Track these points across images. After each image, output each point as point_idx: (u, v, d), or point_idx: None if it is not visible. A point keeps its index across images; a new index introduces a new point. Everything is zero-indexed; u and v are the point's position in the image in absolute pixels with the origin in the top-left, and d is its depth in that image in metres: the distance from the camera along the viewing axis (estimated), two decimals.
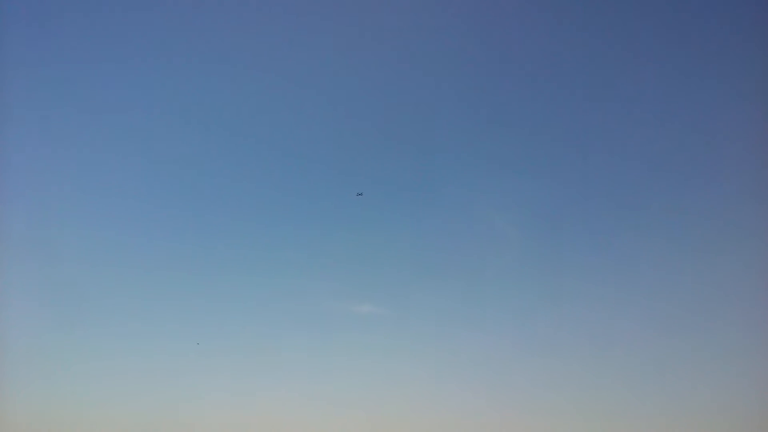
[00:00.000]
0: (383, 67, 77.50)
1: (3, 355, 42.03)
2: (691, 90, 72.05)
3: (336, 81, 77.22)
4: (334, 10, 71.70)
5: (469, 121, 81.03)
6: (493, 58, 77.49)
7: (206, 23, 72.38)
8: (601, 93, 75.71)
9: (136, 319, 57.89)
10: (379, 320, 66.74)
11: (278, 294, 70.03)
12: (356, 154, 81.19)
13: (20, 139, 60.06)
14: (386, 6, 72.85)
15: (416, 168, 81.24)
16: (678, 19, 71.69)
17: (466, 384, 61.19)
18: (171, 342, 60.58)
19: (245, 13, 72.05)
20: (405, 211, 78.10)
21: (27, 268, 52.25)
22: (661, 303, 62.32)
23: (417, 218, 76.67)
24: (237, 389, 57.91)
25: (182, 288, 66.03)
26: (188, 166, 71.46)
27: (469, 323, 67.99)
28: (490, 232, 75.02)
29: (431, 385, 60.74)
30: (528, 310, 68.30)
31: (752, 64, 63.10)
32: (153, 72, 72.39)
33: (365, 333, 64.93)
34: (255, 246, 72.26)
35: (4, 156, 55.15)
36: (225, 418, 54.40)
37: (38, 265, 53.03)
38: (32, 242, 54.49)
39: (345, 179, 77.69)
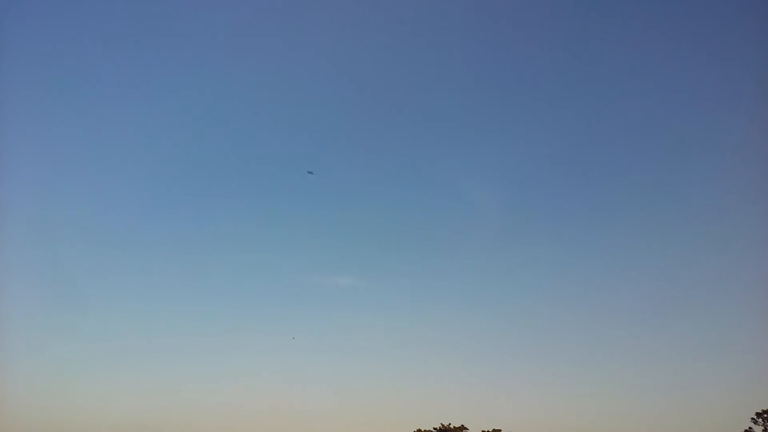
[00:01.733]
0: (362, 47, 76.82)
1: (3, 355, 42.39)
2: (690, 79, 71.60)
3: (314, 56, 76.36)
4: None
5: (447, 95, 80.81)
6: (475, 31, 76.83)
7: (206, 22, 72.26)
8: (600, 75, 75.06)
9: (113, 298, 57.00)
10: (359, 292, 67.28)
11: (257, 269, 70.13)
12: (334, 129, 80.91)
13: (20, 138, 60.11)
14: None
15: (395, 143, 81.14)
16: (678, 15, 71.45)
17: (444, 355, 61.48)
18: (158, 323, 59.90)
19: (240, 12, 71.80)
20: (386, 185, 78.04)
21: (27, 268, 52.46)
22: (656, 292, 62.23)
23: (397, 191, 76.81)
24: (222, 365, 57.70)
25: (171, 274, 65.68)
26: (178, 152, 71.02)
27: (447, 295, 68.39)
28: (469, 205, 75.19)
29: (410, 356, 60.91)
30: (507, 284, 68.62)
31: (753, 63, 63.20)
32: (153, 72, 72.26)
33: (344, 304, 65.38)
34: (238, 223, 72.11)
35: (4, 156, 55.42)
36: (211, 392, 53.98)
37: (38, 265, 53.24)
38: (33, 242, 54.59)
39: (324, 154, 77.47)
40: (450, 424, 62.17)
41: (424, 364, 58.60)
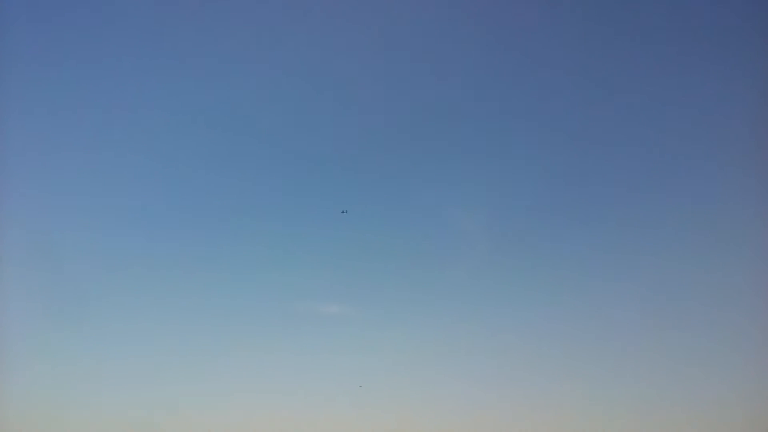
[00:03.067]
0: (351, 69, 77.21)
1: (3, 355, 42.19)
2: (688, 83, 71.69)
3: (303, 81, 76.69)
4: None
5: (435, 119, 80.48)
6: (462, 54, 76.86)
7: (206, 21, 72.56)
8: (590, 86, 75.24)
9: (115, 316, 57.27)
10: (348, 320, 66.14)
11: (252, 292, 69.17)
12: (322, 153, 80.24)
13: (20, 139, 60.23)
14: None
15: (383, 168, 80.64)
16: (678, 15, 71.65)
17: (434, 384, 60.74)
18: (148, 343, 59.76)
19: (246, 10, 72.10)
20: (374, 212, 77.56)
21: (27, 269, 52.43)
22: (651, 300, 62.02)
23: (385, 219, 76.15)
24: (210, 390, 57.35)
25: (167, 288, 65.54)
26: (179, 165, 71.26)
27: (439, 324, 67.40)
28: (458, 232, 74.44)
29: (400, 385, 60.25)
30: (497, 310, 67.89)
31: (753, 63, 63.09)
32: (152, 72, 72.50)
33: (333, 333, 64.39)
34: (230, 243, 71.33)
35: (4, 156, 55.25)
36: (194, 417, 53.72)
37: (39, 265, 53.22)
38: (32, 242, 54.69)
39: (312, 180, 77.09)
40: None
41: (411, 386, 58.45)
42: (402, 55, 79.47)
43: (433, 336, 65.58)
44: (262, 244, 74.31)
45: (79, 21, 70.36)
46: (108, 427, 48.07)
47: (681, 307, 61.84)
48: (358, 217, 74.83)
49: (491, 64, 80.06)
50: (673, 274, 66.28)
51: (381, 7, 72.30)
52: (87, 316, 58.00)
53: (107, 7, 71.06)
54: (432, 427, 57.17)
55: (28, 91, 63.79)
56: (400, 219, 77.43)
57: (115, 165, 72.41)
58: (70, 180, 68.94)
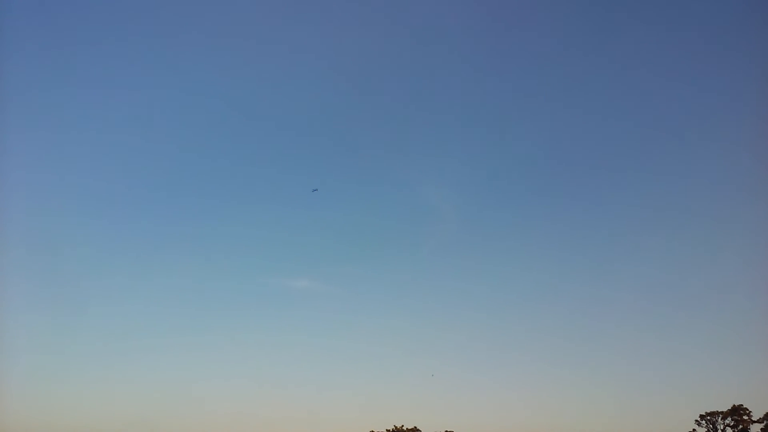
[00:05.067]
0: (334, 53, 77.25)
1: (3, 355, 44.79)
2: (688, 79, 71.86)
3: (284, 63, 76.60)
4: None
5: (406, 97, 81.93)
6: (445, 39, 77.11)
7: (206, 22, 73.43)
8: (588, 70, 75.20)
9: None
10: (315, 295, 69.29)
11: (216, 271, 71.60)
12: (296, 132, 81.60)
13: (20, 140, 62.15)
14: None
15: (353, 145, 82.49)
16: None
17: (400, 357, 64.01)
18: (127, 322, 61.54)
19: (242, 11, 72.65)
20: (342, 188, 79.41)
21: (28, 269, 54.99)
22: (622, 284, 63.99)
23: (354, 195, 78.29)
24: (189, 371, 59.75)
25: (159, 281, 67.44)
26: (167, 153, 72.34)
27: (405, 298, 70.47)
28: (426, 208, 76.97)
29: (367, 358, 63.36)
30: (465, 286, 70.53)
31: (753, 63, 63.79)
32: (153, 75, 73.87)
33: (301, 307, 67.57)
34: (195, 224, 73.35)
35: (4, 156, 57.33)
36: (173, 396, 56.59)
37: (39, 265, 55.73)
38: (33, 242, 57.14)
39: (284, 158, 78.94)
40: (402, 426, 63.47)
41: (387, 365, 61.55)
42: (394, 30, 79.00)
43: (405, 312, 67.89)
44: (240, 226, 75.82)
45: (81, 21, 71.10)
46: (113, 421, 51.40)
47: (682, 304, 63.45)
48: (331, 193, 76.57)
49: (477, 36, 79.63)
50: (672, 269, 67.62)
51: None
52: (94, 307, 59.99)
53: (108, 7, 71.54)
54: (394, 404, 60.17)
55: (29, 92, 65.30)
56: (368, 197, 79.37)
57: (116, 162, 73.59)
58: (71, 180, 71.01)
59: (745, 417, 57.96)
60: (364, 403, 58.86)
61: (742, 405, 58.60)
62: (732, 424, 58.35)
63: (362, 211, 78.81)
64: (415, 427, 64.05)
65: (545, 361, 63.06)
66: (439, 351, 63.64)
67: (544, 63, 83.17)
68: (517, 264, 73.47)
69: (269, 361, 61.61)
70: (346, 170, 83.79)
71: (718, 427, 59.15)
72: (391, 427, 63.80)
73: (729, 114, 73.32)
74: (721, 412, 59.10)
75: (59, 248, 56.74)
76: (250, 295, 70.31)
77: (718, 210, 72.12)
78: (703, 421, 60.32)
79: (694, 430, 60.26)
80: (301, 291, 67.22)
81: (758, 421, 57.50)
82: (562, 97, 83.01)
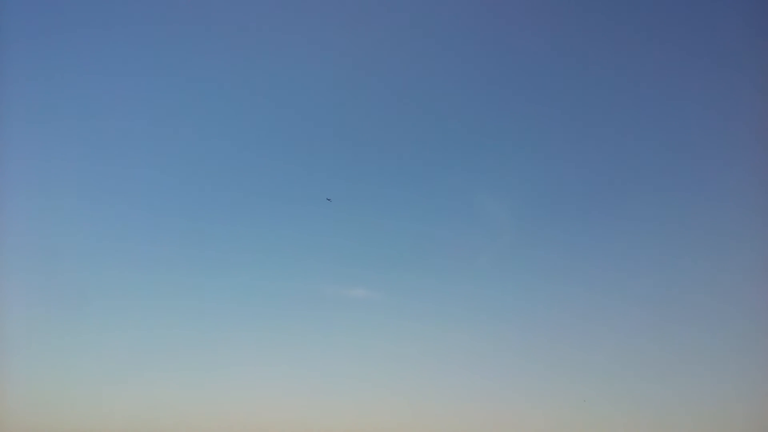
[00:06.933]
0: (378, 59, 77.16)
1: (3, 354, 42.22)
2: (693, 83, 71.40)
3: (331, 70, 76.69)
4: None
5: (465, 106, 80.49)
6: (491, 48, 77.03)
7: (206, 22, 72.72)
8: (604, 84, 75.22)
9: (130, 305, 57.16)
10: (373, 304, 66.05)
11: (272, 278, 68.94)
12: (352, 140, 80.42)
13: (21, 139, 60.21)
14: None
15: (411, 154, 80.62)
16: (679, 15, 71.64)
17: (458, 372, 60.56)
18: (165, 322, 59.46)
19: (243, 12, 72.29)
20: (399, 197, 77.34)
21: (28, 269, 52.29)
22: (663, 296, 62.03)
23: (412, 204, 75.97)
24: (232, 376, 57.11)
25: (179, 278, 65.46)
26: (186, 160, 71.47)
27: (462, 311, 67.20)
28: (484, 219, 74.57)
29: (424, 371, 59.98)
30: (522, 299, 67.71)
31: (753, 63, 62.99)
32: (154, 66, 72.59)
33: (358, 316, 64.24)
34: (249, 231, 71.31)
35: (4, 156, 55.23)
36: (217, 403, 53.54)
37: (39, 266, 53.07)
38: (33, 242, 54.58)
39: (340, 165, 77.00)
40: None
41: (438, 375, 58.31)
42: (433, 30, 78.64)
43: (455, 325, 64.74)
44: (283, 231, 73.89)
45: (81, 14, 70.37)
46: (113, 421, 47.99)
47: (696, 305, 61.02)
48: (383, 203, 74.27)
49: (517, 51, 79.42)
50: (689, 269, 65.38)
51: None
52: (95, 305, 57.33)
53: (109, 7, 71.11)
54: (449, 417, 56.67)
55: (29, 92, 63.66)
56: (425, 206, 76.93)
57: (120, 154, 72.23)
58: (70, 180, 68.87)
59: None
60: (414, 414, 54.33)
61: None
62: None
63: (414, 218, 75.88)
64: None
65: (596, 384, 58.80)
66: (491, 368, 59.22)
67: (596, 87, 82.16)
68: (574, 286, 69.90)
69: (306, 366, 57.82)
70: (398, 177, 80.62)
71: None
72: None
73: (730, 112, 71.34)
74: None
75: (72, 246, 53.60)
76: (305, 303, 66.96)
77: (722, 215, 69.52)
78: None
79: None
80: (357, 300, 63.94)
81: None
82: (603, 122, 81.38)
